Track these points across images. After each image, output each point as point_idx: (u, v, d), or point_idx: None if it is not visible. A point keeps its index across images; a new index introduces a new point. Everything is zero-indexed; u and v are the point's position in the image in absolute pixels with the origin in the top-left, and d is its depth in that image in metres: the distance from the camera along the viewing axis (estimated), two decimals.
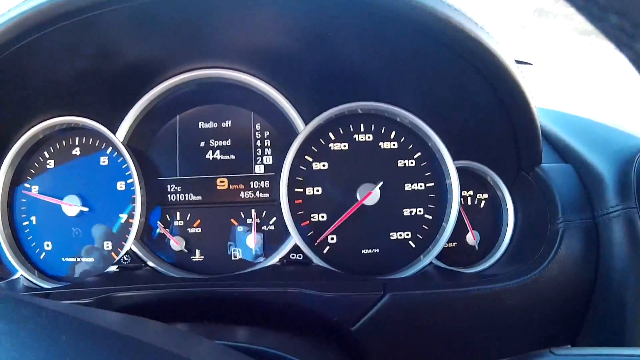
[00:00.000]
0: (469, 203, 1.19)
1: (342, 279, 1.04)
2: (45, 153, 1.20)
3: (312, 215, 1.12)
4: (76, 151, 1.19)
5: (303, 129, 1.10)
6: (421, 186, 1.16)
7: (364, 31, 0.94)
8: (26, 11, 0.85)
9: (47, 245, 1.19)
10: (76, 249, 1.18)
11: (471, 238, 1.17)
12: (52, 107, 1.16)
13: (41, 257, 1.20)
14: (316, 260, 1.07)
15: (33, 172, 1.21)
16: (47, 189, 1.19)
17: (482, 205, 1.19)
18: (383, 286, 0.97)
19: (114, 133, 1.13)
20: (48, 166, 1.20)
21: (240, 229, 1.14)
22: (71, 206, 1.16)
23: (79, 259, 1.18)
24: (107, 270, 1.12)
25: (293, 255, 1.08)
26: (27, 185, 1.20)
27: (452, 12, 0.85)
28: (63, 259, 1.19)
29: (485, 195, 1.20)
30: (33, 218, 1.20)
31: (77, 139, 1.19)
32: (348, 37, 0.98)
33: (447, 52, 0.91)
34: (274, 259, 1.09)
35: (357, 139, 1.15)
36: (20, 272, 1.17)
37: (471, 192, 1.19)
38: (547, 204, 1.07)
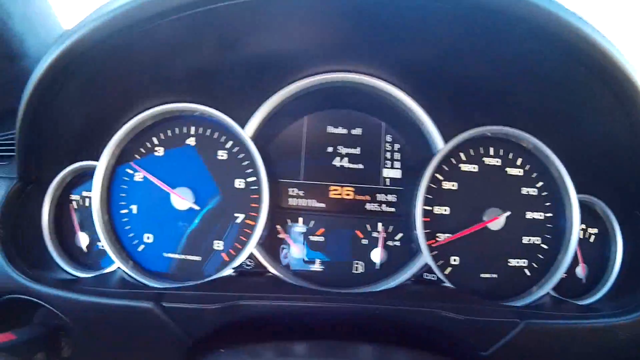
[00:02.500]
0: (580, 236, 1.19)
1: (477, 302, 1.02)
2: (154, 139, 1.12)
3: (437, 234, 1.10)
4: (190, 141, 1.12)
5: (442, 148, 1.07)
6: (541, 215, 1.15)
7: (507, 47, 0.92)
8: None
9: (148, 238, 1.12)
10: (181, 246, 1.11)
11: (580, 271, 1.18)
12: (168, 93, 1.09)
13: (139, 249, 1.12)
14: (448, 282, 1.05)
15: (138, 157, 1.12)
16: (153, 177, 1.11)
17: (592, 239, 1.20)
18: (518, 314, 0.97)
19: (242, 128, 1.07)
20: (156, 153, 1.12)
21: (364, 241, 1.10)
22: (183, 199, 1.08)
23: (183, 256, 1.11)
24: (222, 273, 1.06)
25: (427, 275, 1.05)
26: (129, 171, 1.12)
27: (606, 43, 0.85)
28: (165, 254, 1.12)
29: (596, 230, 1.21)
30: (133, 207, 1.13)
31: (194, 128, 1.12)
32: (495, 56, 0.96)
33: (594, 81, 0.91)
34: (402, 277, 1.07)
35: (485, 162, 1.13)
36: (118, 264, 1.09)
37: (583, 226, 1.19)
38: None
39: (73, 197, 1.16)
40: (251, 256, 1.06)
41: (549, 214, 1.16)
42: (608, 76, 0.88)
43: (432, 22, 0.87)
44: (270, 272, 1.05)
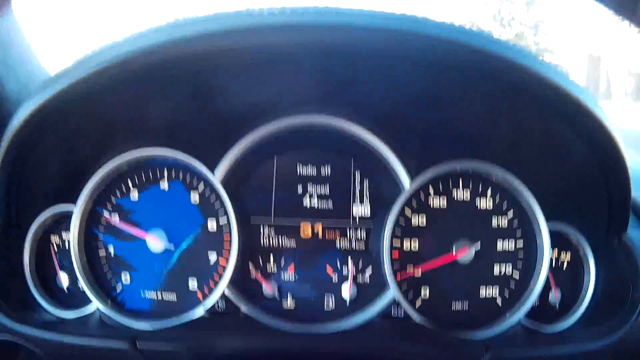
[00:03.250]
0: (552, 263, 1.20)
1: (442, 338, 1.04)
2: (130, 183, 1.15)
3: (407, 269, 1.12)
4: (163, 184, 1.15)
5: (410, 185, 1.09)
6: (512, 245, 1.16)
7: (475, 93, 0.94)
8: (113, 59, 0.82)
9: (125, 278, 1.15)
10: (157, 285, 1.14)
11: (553, 297, 1.19)
12: (141, 139, 1.11)
13: (117, 289, 1.15)
14: (417, 318, 1.07)
15: (114, 201, 1.15)
16: (128, 220, 1.14)
17: (565, 266, 1.21)
18: (485, 346, 0.99)
19: (212, 172, 1.09)
20: (132, 197, 1.15)
21: (335, 278, 1.12)
22: (157, 241, 1.11)
23: (159, 296, 1.14)
24: (195, 312, 1.09)
25: (394, 312, 1.07)
26: (106, 214, 1.15)
27: (566, 83, 0.86)
28: (142, 293, 1.15)
29: (569, 256, 1.22)
30: (111, 248, 1.16)
31: (166, 172, 1.14)
32: (461, 97, 0.98)
33: (554, 118, 0.92)
34: (371, 313, 1.09)
35: (455, 196, 1.14)
36: (97, 305, 1.12)
37: (555, 252, 1.20)
38: (631, 272, 1.10)
39: (53, 238, 1.19)
40: (224, 296, 1.08)
41: (520, 243, 1.17)
42: (578, 124, 0.91)
43: (404, 72, 0.89)
44: (243, 312, 1.08)
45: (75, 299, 1.18)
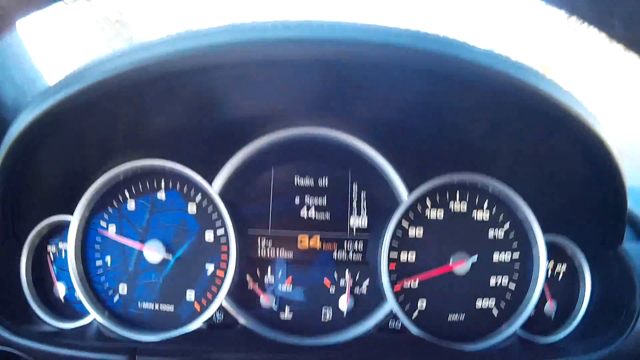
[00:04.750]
0: (548, 274, 1.21)
1: (439, 350, 1.04)
2: (126, 193, 1.15)
3: (404, 280, 1.12)
4: (161, 195, 1.14)
5: (408, 197, 1.09)
6: (508, 257, 1.17)
7: (473, 107, 0.94)
8: (120, 68, 0.81)
9: (122, 289, 1.15)
10: (154, 296, 1.14)
11: (549, 308, 1.20)
12: (139, 150, 1.11)
13: (115, 299, 1.15)
14: (414, 330, 1.07)
15: (111, 211, 1.15)
16: (125, 230, 1.14)
17: (560, 277, 1.22)
18: (481, 358, 0.99)
19: (210, 183, 1.09)
20: (129, 207, 1.15)
21: (332, 289, 1.13)
22: (154, 252, 1.11)
23: (157, 306, 1.14)
24: (193, 324, 1.09)
25: (392, 324, 1.08)
26: (103, 224, 1.15)
27: (558, 92, 0.86)
28: (139, 304, 1.15)
29: (564, 267, 1.22)
30: (108, 258, 1.15)
31: (163, 183, 1.14)
32: (458, 111, 0.98)
33: (552, 131, 0.92)
34: (369, 325, 1.09)
35: (452, 208, 1.14)
36: (94, 315, 1.12)
37: (551, 264, 1.21)
38: (626, 284, 1.11)
39: (50, 248, 1.19)
40: (222, 308, 1.08)
41: (516, 255, 1.18)
42: (575, 137, 0.90)
43: (402, 85, 0.89)
44: (240, 324, 1.08)
45: (72, 309, 1.18)
